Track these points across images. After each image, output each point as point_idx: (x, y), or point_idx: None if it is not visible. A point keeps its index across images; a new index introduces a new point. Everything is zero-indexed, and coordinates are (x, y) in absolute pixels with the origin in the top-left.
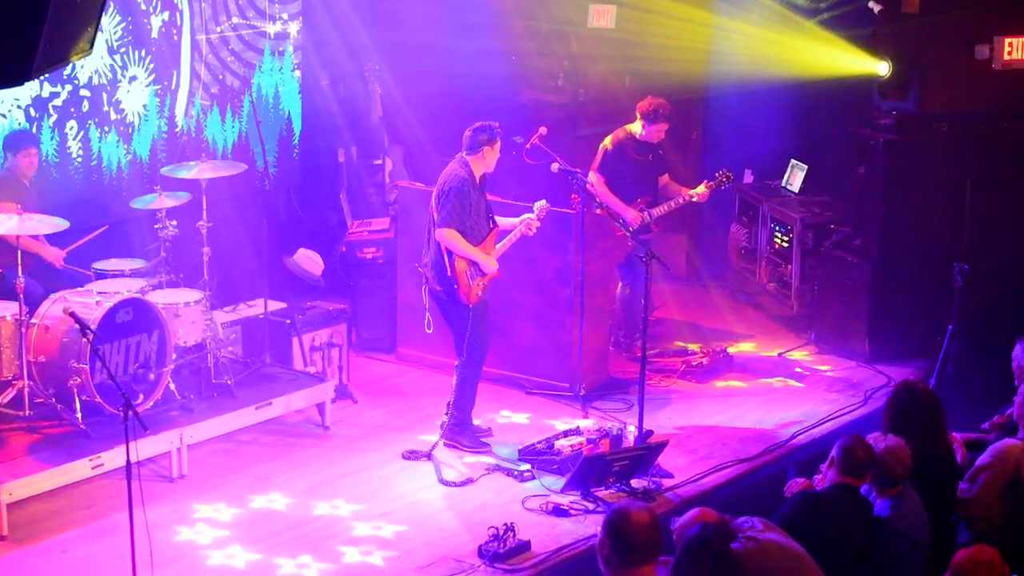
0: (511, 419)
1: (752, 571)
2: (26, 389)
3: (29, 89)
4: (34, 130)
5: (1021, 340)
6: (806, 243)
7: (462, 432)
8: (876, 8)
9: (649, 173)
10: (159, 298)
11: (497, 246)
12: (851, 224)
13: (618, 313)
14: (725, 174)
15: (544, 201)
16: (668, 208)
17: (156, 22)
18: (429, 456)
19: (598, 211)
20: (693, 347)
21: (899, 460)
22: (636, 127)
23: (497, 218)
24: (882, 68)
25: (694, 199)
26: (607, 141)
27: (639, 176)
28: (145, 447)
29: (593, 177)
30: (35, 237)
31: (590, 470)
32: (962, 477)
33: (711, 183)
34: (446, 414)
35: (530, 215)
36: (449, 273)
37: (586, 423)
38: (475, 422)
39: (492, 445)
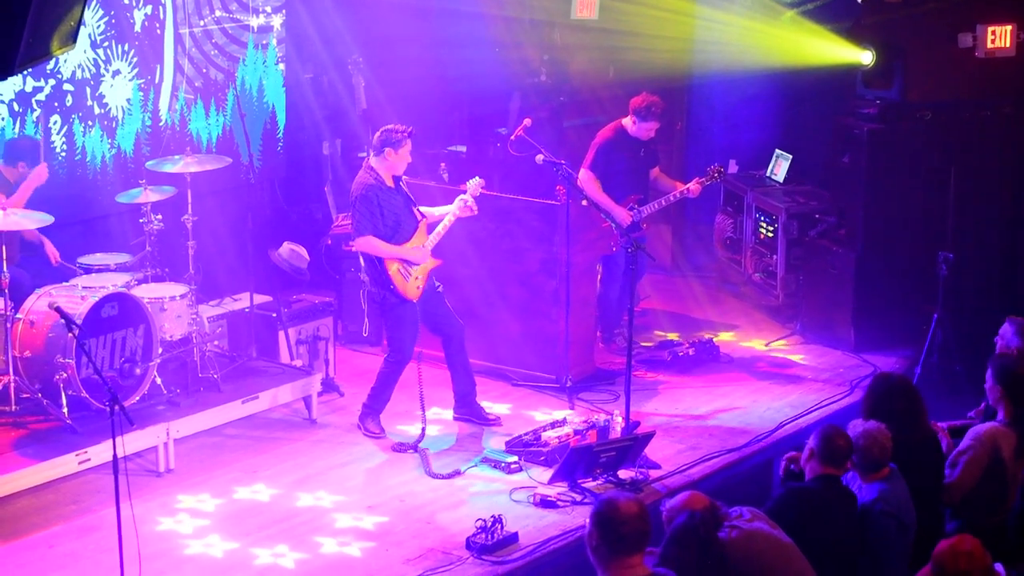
0: (491, 410)
1: (737, 560)
2: (12, 384)
3: (12, 84)
4: (16, 125)
5: (1010, 320)
6: (791, 233)
7: (368, 417)
8: None
9: (640, 169)
10: (144, 292)
11: (431, 235)
12: (836, 213)
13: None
14: (717, 169)
15: (477, 178)
16: (659, 206)
17: (139, 16)
18: (416, 448)
19: (584, 203)
20: (673, 336)
21: (877, 442)
22: (627, 122)
23: (431, 209)
24: (866, 57)
25: (686, 195)
26: (599, 138)
27: (630, 172)
28: (132, 442)
29: (584, 175)
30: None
31: (577, 461)
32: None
33: (703, 179)
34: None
35: (464, 195)
36: (383, 276)
37: (565, 413)
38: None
39: (485, 436)
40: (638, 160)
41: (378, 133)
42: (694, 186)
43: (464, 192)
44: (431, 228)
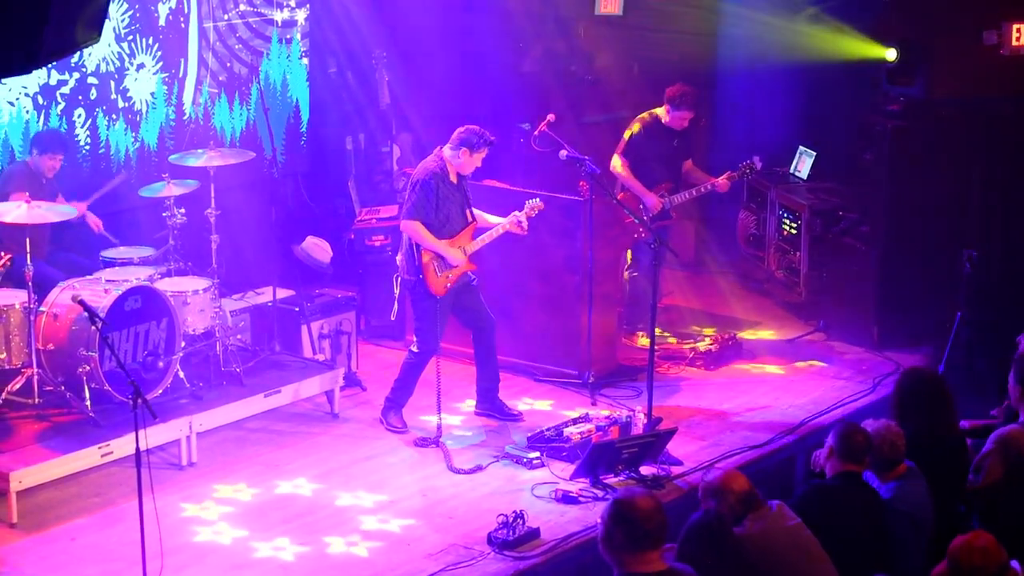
0: (514, 405)
1: (754, 555)
2: (35, 377)
3: (37, 77)
4: (41, 118)
5: None
6: (814, 230)
7: (391, 411)
8: None
9: (673, 158)
10: (168, 286)
11: (474, 240)
12: (859, 211)
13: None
14: (749, 165)
15: (538, 200)
16: (689, 196)
17: (163, 10)
18: (438, 443)
19: (620, 195)
20: (708, 330)
21: (887, 441)
22: (662, 112)
23: (485, 215)
24: (890, 54)
25: (715, 189)
26: (633, 124)
27: (662, 161)
28: (154, 435)
29: (617, 160)
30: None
31: (599, 457)
32: (970, 462)
33: (734, 174)
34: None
35: (519, 213)
36: (416, 263)
37: (587, 409)
38: (504, 398)
39: (507, 431)
40: (671, 149)
41: (462, 129)
42: (724, 181)
43: (520, 209)
44: (477, 233)
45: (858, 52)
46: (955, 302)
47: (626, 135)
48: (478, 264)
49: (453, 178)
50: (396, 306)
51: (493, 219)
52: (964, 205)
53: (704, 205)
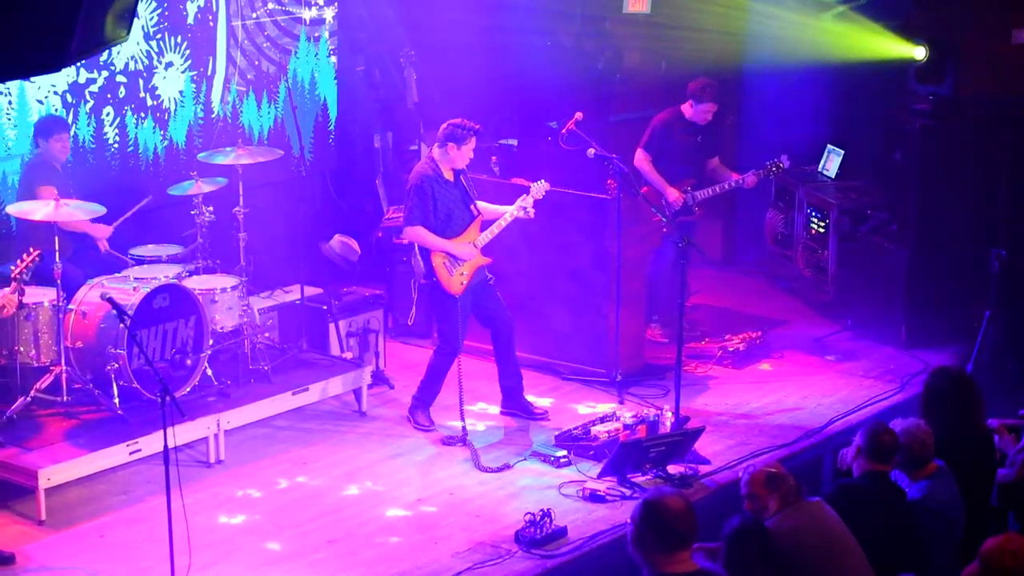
0: (540, 404)
1: (785, 548)
2: (64, 375)
3: (65, 75)
4: (70, 117)
5: None
6: (842, 229)
7: (418, 410)
8: None
9: (696, 154)
10: (196, 284)
11: (484, 233)
12: (887, 210)
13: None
14: (776, 163)
15: (543, 181)
16: (713, 192)
17: (192, 8)
18: (465, 442)
19: (643, 189)
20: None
21: (917, 439)
22: (686, 107)
23: (490, 205)
24: (918, 52)
25: (741, 185)
26: (656, 120)
27: (686, 156)
28: (182, 432)
29: (639, 154)
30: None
31: (627, 456)
32: (1000, 461)
33: (760, 172)
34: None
35: (526, 196)
36: (428, 266)
37: (615, 408)
38: (531, 397)
39: (534, 430)
40: (694, 145)
41: (444, 126)
42: (750, 178)
43: (527, 193)
44: (485, 225)
45: (887, 51)
46: (984, 301)
47: (649, 129)
48: (505, 262)
49: (448, 175)
50: (414, 309)
51: (500, 208)
52: (993, 203)
53: (732, 204)
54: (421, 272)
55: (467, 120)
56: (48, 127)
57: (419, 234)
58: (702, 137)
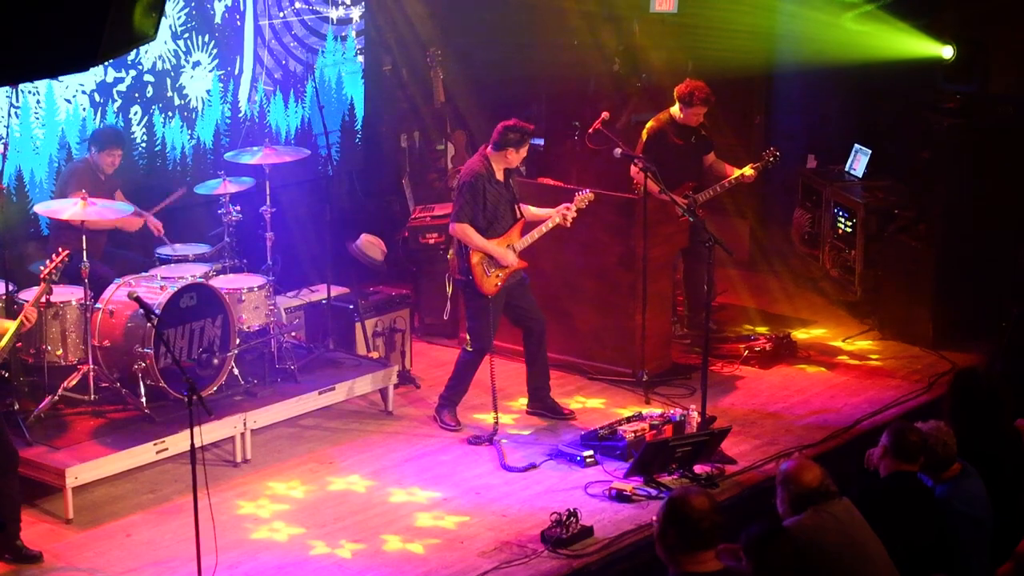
0: (566, 404)
1: (801, 545)
2: (91, 374)
3: (93, 75)
4: (97, 116)
5: None
6: (870, 228)
7: (445, 409)
8: None
9: (691, 156)
10: (223, 283)
11: (524, 237)
12: (915, 209)
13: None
14: (771, 152)
15: (590, 192)
16: (714, 192)
17: (219, 7)
18: (492, 441)
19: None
20: (761, 329)
21: (939, 441)
22: (675, 110)
23: (532, 209)
24: (946, 51)
25: (741, 180)
26: (648, 126)
27: (681, 160)
28: (209, 432)
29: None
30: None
31: (653, 456)
32: None
33: (757, 164)
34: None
35: (569, 205)
36: (466, 264)
37: (641, 408)
38: (558, 397)
39: (560, 429)
40: (688, 148)
41: (500, 128)
42: (749, 171)
43: (570, 202)
44: (526, 230)
45: (914, 49)
46: (1012, 301)
47: (642, 137)
48: (532, 262)
49: (500, 176)
50: (449, 305)
51: (542, 212)
52: (1021, 202)
53: (759, 203)
54: (456, 268)
55: (521, 122)
56: (104, 139)
57: (466, 232)
58: (696, 137)
